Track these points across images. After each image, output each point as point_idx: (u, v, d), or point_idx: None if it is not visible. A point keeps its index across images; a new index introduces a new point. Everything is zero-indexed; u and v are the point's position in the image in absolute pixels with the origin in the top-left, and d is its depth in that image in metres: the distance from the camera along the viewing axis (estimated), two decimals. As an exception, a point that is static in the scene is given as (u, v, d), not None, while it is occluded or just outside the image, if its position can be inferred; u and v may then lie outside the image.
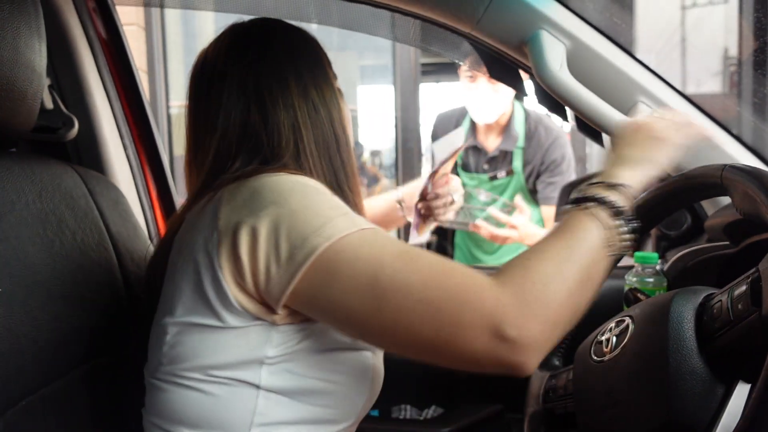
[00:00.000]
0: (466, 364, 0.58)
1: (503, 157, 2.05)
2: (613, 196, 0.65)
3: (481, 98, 1.99)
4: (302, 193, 0.63)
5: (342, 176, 0.76)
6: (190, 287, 0.66)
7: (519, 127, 2.04)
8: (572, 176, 2.05)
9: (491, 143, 2.08)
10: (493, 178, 2.07)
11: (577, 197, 0.66)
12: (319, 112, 0.75)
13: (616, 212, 0.64)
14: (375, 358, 0.74)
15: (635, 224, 0.65)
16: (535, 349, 0.56)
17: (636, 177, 0.69)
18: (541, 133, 2.03)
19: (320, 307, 0.62)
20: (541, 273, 0.58)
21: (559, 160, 2.01)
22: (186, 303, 0.67)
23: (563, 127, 2.11)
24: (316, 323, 0.67)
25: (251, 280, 0.63)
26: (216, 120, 0.73)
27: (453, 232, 2.89)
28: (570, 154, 2.07)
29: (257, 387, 0.66)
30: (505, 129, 2.04)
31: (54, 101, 1.03)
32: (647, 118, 0.77)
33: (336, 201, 0.65)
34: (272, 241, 0.61)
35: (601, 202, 0.64)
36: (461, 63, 1.79)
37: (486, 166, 2.08)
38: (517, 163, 2.04)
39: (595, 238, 0.62)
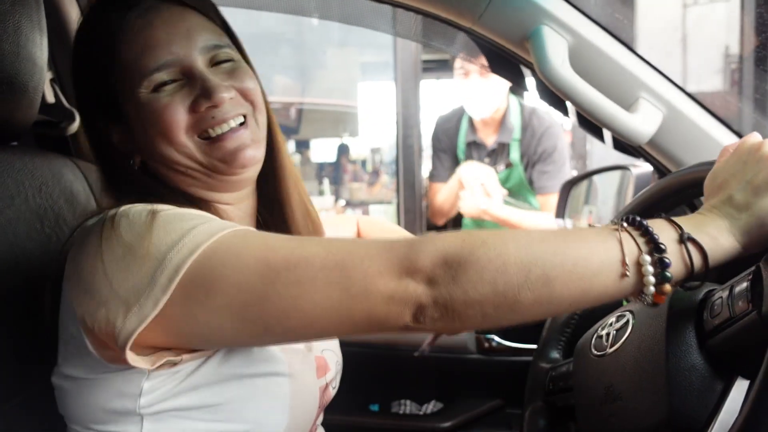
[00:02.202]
0: (382, 322, 0.51)
1: (501, 150, 2.12)
2: (665, 231, 0.52)
3: (474, 93, 2.07)
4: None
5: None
6: (63, 332, 0.63)
7: (515, 120, 2.11)
8: (565, 166, 2.12)
9: (489, 138, 2.16)
10: (504, 166, 2.13)
11: (627, 219, 0.54)
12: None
13: (656, 247, 0.52)
14: (295, 383, 0.66)
15: (669, 273, 0.52)
16: (461, 307, 0.49)
17: (728, 239, 0.54)
18: (534, 123, 2.09)
19: (200, 323, 0.55)
20: (504, 242, 0.50)
21: (551, 149, 2.07)
22: (61, 351, 0.63)
23: (558, 118, 2.18)
24: (190, 358, 0.60)
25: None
26: None
27: (453, 229, 2.99)
28: (563, 144, 2.13)
29: None
30: (502, 122, 2.11)
31: (55, 95, 1.03)
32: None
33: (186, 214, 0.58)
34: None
35: (645, 232, 0.52)
36: (462, 59, 1.81)
37: (487, 160, 2.14)
38: (515, 155, 2.11)
39: (604, 250, 0.51)
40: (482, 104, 2.07)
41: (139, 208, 0.58)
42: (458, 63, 2.09)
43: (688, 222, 0.54)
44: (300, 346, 0.69)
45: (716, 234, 0.54)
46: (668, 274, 0.52)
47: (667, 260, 0.52)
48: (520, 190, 2.13)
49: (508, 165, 2.11)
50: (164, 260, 0.53)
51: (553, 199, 2.00)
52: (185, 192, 0.68)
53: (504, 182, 2.12)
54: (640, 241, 0.52)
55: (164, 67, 0.63)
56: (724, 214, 0.55)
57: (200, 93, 0.64)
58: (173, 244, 0.54)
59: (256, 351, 0.63)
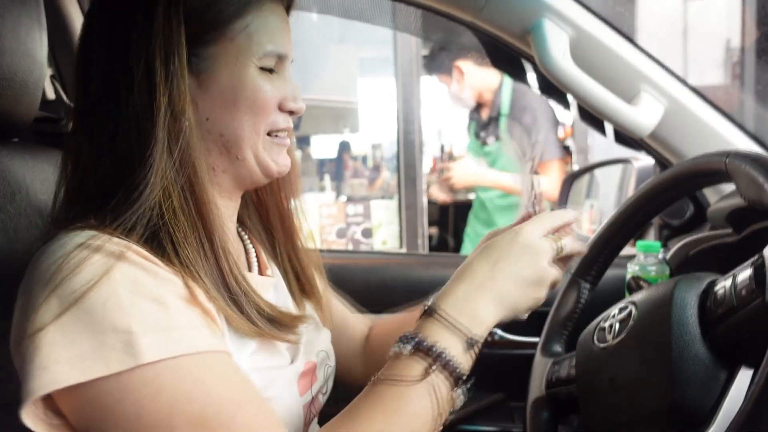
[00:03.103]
0: None
1: (492, 124, 2.34)
2: (454, 347, 0.58)
3: (452, 97, 2.42)
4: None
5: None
6: None
7: (505, 97, 2.31)
8: (550, 134, 2.27)
9: (484, 113, 2.40)
10: (484, 144, 2.38)
11: (412, 339, 0.59)
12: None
13: (457, 378, 0.58)
14: (276, 408, 0.61)
15: (469, 387, 0.60)
16: None
17: (493, 314, 0.61)
18: (520, 100, 2.28)
19: None
20: None
21: (532, 120, 2.23)
22: None
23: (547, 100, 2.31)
24: None
25: None
26: None
27: (455, 224, 3.09)
28: (546, 115, 2.27)
29: None
30: (493, 99, 2.34)
31: (56, 91, 1.03)
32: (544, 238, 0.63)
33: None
34: None
35: (442, 361, 0.57)
36: (465, 53, 1.83)
37: (482, 134, 2.39)
38: (503, 129, 2.31)
39: (427, 413, 0.57)
40: (461, 102, 2.40)
41: (87, 270, 0.51)
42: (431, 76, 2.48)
43: (465, 315, 0.60)
44: (280, 360, 0.66)
45: (485, 317, 0.61)
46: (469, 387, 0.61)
47: (463, 379, 0.60)
48: (510, 164, 2.28)
49: (497, 137, 2.30)
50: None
51: (550, 165, 2.23)
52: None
53: (496, 156, 2.32)
54: (448, 383, 0.58)
55: (277, 55, 0.64)
56: (492, 298, 0.61)
57: (290, 95, 0.65)
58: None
59: None
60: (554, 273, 0.63)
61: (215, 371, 0.52)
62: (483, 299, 0.60)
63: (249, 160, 0.64)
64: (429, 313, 0.61)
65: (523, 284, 0.61)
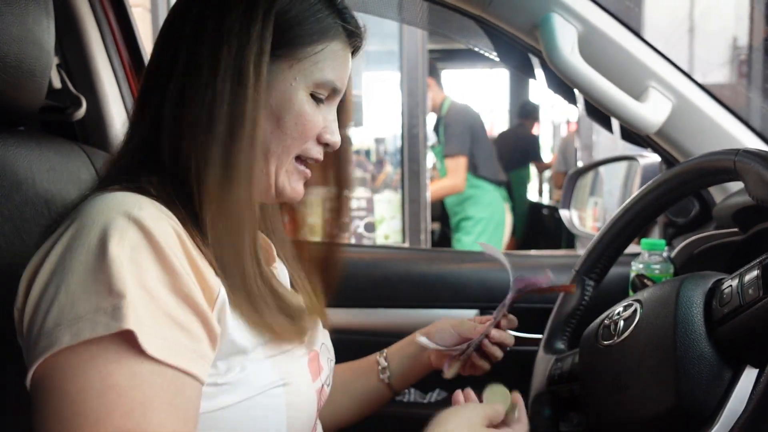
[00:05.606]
0: None
1: (435, 130, 3.19)
2: None
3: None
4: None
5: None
6: None
7: (445, 107, 3.13)
8: (456, 136, 3.06)
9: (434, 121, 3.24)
10: (433, 146, 3.28)
11: None
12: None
13: None
14: (291, 393, 0.61)
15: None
16: None
17: None
18: (450, 109, 3.12)
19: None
20: None
21: (449, 122, 3.07)
22: None
23: (472, 106, 3.25)
24: None
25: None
26: None
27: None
28: (460, 119, 3.09)
29: None
30: (440, 110, 3.15)
31: (62, 80, 1.03)
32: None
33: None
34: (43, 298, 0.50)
35: None
36: (471, 47, 1.82)
37: (432, 136, 3.29)
38: (441, 134, 3.12)
39: None
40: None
41: (95, 233, 0.50)
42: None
43: None
44: (294, 348, 0.65)
45: None
46: None
47: None
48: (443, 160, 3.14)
49: (438, 142, 3.13)
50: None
51: (451, 161, 3.04)
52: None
53: (440, 155, 3.12)
54: None
55: (333, 87, 0.65)
56: None
57: (331, 127, 0.66)
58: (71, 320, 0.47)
59: (248, 369, 0.59)
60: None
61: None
62: None
63: (269, 176, 0.64)
64: None
65: None
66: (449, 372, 0.83)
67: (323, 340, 0.75)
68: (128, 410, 0.47)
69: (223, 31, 0.59)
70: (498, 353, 0.83)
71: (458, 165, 3.02)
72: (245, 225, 0.59)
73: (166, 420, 0.48)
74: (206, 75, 0.58)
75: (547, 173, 5.78)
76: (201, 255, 0.55)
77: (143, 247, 0.50)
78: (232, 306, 0.57)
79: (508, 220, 3.41)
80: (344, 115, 0.72)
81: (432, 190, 3.24)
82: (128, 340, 0.47)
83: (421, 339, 0.81)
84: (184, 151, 0.58)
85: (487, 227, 3.12)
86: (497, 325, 0.82)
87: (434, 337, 0.83)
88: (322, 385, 0.70)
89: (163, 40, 0.63)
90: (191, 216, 0.57)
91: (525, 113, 5.18)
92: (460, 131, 3.05)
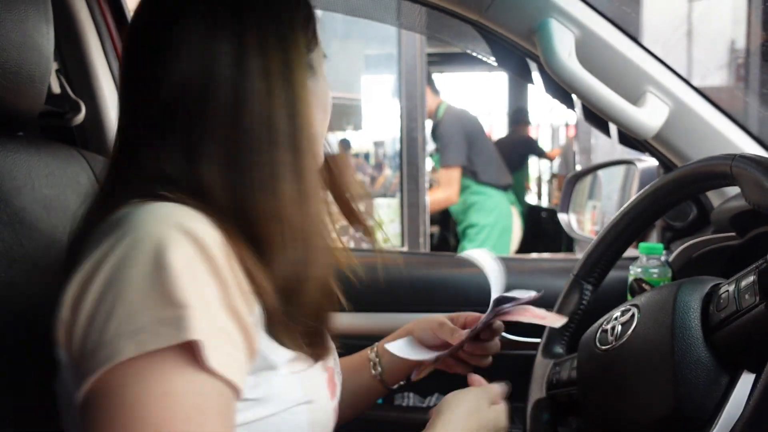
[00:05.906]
0: None
1: (432, 136, 3.19)
2: None
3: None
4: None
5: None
6: None
7: (440, 112, 3.11)
8: (449, 147, 3.03)
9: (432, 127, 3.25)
10: (432, 154, 3.38)
11: None
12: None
13: None
14: (313, 411, 0.60)
15: None
16: None
17: None
18: (444, 115, 3.09)
19: None
20: None
21: (440, 132, 3.07)
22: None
23: (467, 111, 3.23)
24: None
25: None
26: None
27: (455, 223, 3.33)
28: (451, 128, 3.06)
29: None
30: (435, 116, 3.16)
31: (61, 85, 1.03)
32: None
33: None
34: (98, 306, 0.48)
35: None
36: (469, 52, 1.82)
37: (429, 142, 3.32)
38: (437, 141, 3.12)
39: None
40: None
41: (147, 248, 0.49)
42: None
43: None
44: (315, 365, 0.64)
45: None
46: None
47: None
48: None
49: (436, 149, 3.16)
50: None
51: (444, 173, 3.03)
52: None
53: (437, 161, 3.17)
54: None
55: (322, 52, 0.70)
56: None
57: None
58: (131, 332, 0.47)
59: (276, 385, 0.58)
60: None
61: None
62: None
63: (319, 157, 0.67)
64: None
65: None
66: (416, 377, 0.84)
67: (333, 355, 0.74)
68: (187, 417, 0.47)
69: (268, 43, 0.59)
70: (475, 361, 0.85)
71: (451, 177, 2.99)
72: (318, 249, 0.59)
73: (219, 429, 0.49)
74: (258, 84, 0.58)
75: (547, 175, 5.82)
76: (244, 270, 0.54)
77: (198, 258, 0.49)
78: (269, 322, 0.56)
79: (517, 223, 3.33)
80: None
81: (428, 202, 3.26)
82: (188, 350, 0.47)
83: (391, 347, 0.80)
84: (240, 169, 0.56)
85: (491, 234, 3.03)
86: (477, 337, 0.82)
87: (417, 335, 0.85)
88: (338, 403, 0.69)
89: (179, 54, 0.57)
90: (243, 231, 0.55)
91: (516, 120, 5.39)
92: (454, 141, 3.00)
